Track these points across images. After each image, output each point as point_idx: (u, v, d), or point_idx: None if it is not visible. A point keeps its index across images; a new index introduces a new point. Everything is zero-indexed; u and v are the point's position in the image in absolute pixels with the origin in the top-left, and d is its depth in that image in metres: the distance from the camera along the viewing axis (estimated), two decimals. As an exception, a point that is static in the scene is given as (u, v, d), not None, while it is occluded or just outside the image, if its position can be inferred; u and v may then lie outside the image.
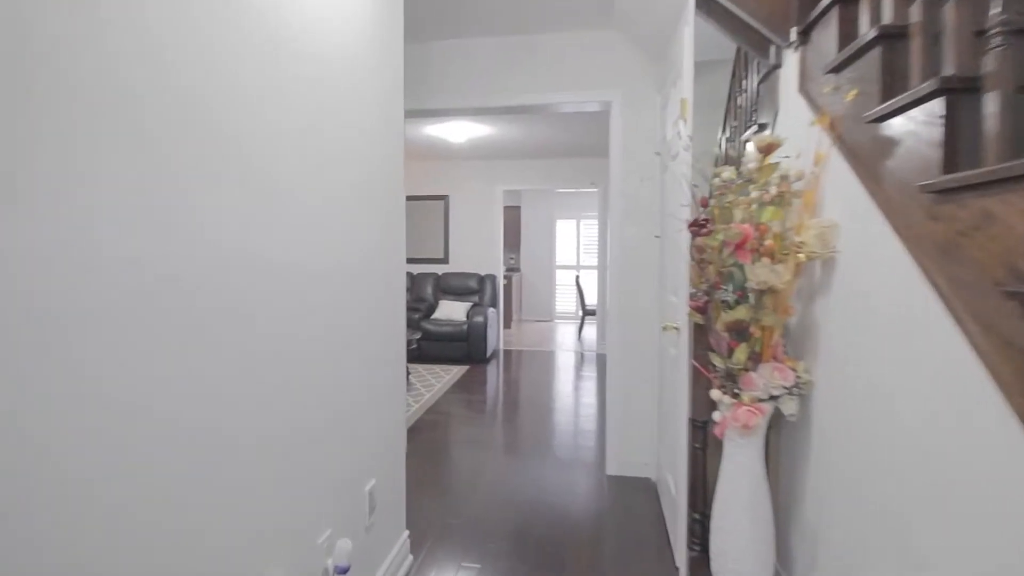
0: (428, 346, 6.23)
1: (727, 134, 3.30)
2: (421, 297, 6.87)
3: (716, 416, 1.77)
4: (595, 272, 9.88)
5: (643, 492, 2.89)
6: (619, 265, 3.12)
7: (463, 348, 6.16)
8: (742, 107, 2.82)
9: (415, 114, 3.30)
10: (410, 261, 7.23)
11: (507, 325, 8.80)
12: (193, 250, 0.99)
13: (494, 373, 5.76)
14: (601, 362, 6.31)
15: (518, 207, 10.14)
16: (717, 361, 1.77)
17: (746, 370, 1.70)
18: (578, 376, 5.67)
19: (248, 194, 1.15)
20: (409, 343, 4.93)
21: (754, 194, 1.69)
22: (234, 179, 1.11)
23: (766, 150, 1.69)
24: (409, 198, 7.14)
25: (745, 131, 2.59)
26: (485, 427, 3.98)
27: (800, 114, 1.78)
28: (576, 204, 9.93)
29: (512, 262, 10.34)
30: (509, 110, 3.23)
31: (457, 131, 5.21)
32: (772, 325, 1.67)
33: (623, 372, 3.13)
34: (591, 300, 9.39)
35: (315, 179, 1.45)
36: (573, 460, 3.33)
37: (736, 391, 1.70)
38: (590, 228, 10.01)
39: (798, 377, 1.66)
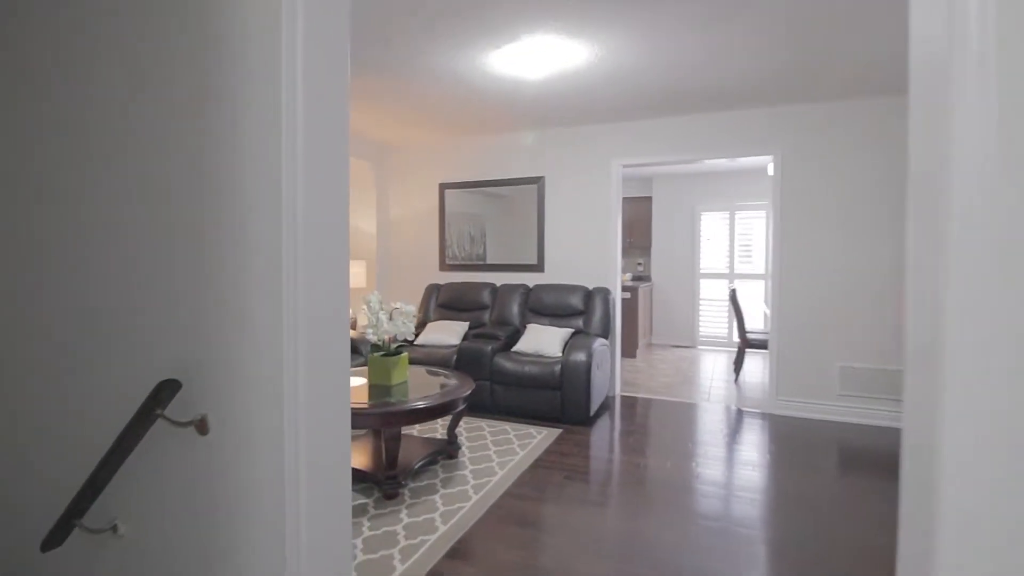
0: (503, 393, 4.28)
1: None
2: (503, 319, 4.95)
3: None
4: (760, 283, 7.24)
5: None
6: None
7: (554, 400, 4.11)
8: None
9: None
10: (493, 268, 5.36)
11: (630, 353, 6.58)
12: None
13: (601, 448, 3.63)
14: (777, 429, 3.87)
15: (648, 197, 7.83)
16: None
17: None
18: (735, 466, 3.33)
19: None
20: (453, 404, 3.02)
21: None
22: None
23: None
24: (487, 183, 5.29)
25: None
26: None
27: None
28: (728, 190, 7.36)
29: (640, 269, 8.05)
30: None
31: (530, 57, 3.20)
32: None
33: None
34: (755, 323, 6.83)
35: None
36: None
37: None
38: (749, 222, 7.37)
39: None
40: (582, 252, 5.00)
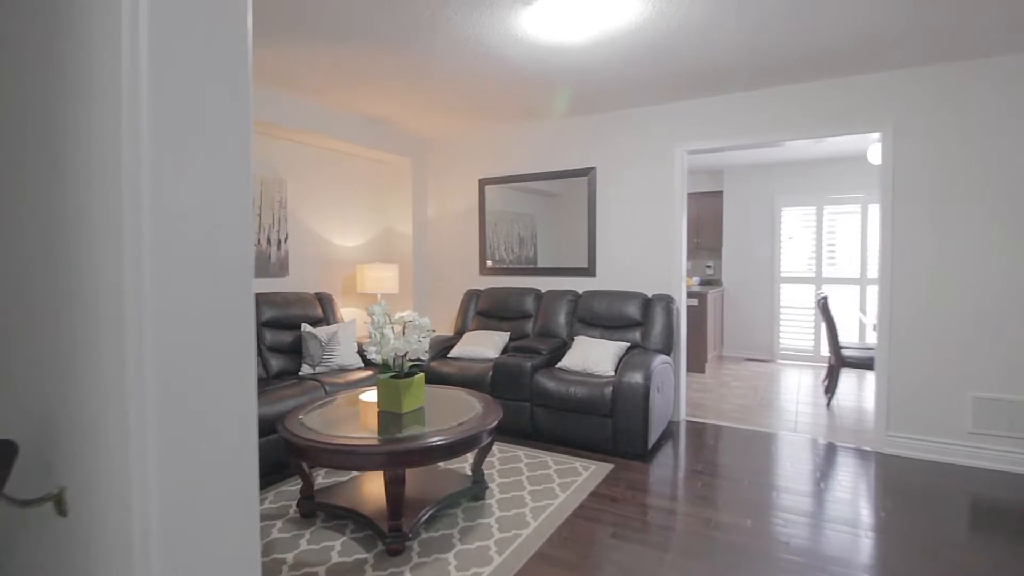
0: (545, 418, 3.69)
1: None
2: (548, 330, 4.36)
3: None
4: (850, 288, 6.23)
5: None
6: None
7: (605, 428, 3.48)
8: None
9: None
10: (537, 273, 4.78)
11: (697, 368, 5.82)
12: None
13: (661, 494, 2.96)
14: (889, 475, 3.04)
15: (718, 192, 7.00)
16: None
17: None
18: (836, 530, 2.57)
19: None
20: (474, 440, 2.47)
21: None
22: None
23: None
24: (529, 177, 4.72)
25: None
26: None
27: None
28: (815, 181, 6.41)
29: (709, 273, 7.22)
30: None
31: (569, 14, 2.60)
32: None
33: None
34: (848, 336, 5.91)
35: None
36: None
37: None
38: (834, 218, 6.38)
39: None
40: (640, 254, 4.33)
